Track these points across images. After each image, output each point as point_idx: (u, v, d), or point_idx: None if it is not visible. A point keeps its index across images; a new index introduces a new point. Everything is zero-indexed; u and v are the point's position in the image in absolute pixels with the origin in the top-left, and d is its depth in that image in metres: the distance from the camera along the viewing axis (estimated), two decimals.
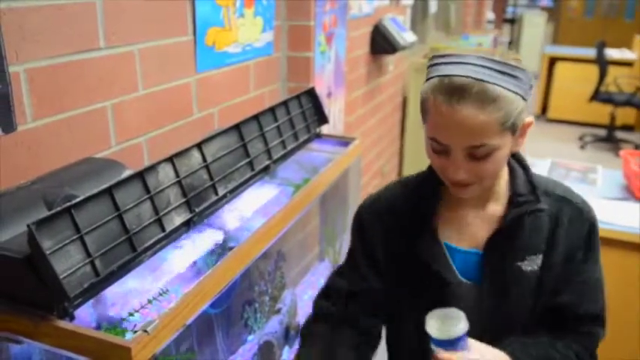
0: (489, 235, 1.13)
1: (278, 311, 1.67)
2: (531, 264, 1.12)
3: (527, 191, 1.13)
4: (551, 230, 1.12)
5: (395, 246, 1.19)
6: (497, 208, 1.14)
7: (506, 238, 1.12)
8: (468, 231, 1.15)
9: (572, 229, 1.13)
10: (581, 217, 1.14)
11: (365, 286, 1.23)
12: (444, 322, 1.00)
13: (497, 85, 0.96)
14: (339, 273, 1.30)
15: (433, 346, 1.01)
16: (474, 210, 1.15)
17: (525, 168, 1.17)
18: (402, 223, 1.18)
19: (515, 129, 1.01)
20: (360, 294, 1.23)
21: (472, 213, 1.15)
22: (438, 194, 1.16)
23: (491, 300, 1.13)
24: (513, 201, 1.12)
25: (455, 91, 0.96)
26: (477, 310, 1.11)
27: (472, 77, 0.96)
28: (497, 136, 0.98)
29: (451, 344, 1.00)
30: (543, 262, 1.12)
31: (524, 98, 1.00)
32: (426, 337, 1.02)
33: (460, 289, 1.14)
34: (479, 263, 1.14)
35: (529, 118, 1.05)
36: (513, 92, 0.98)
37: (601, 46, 6.65)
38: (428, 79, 1.03)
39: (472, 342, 1.04)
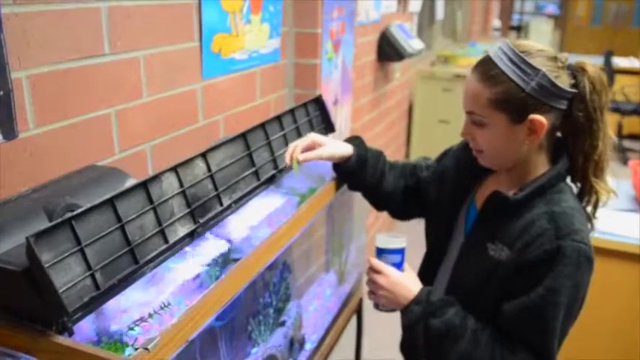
0: (481, 206, 1.25)
1: (282, 324, 1.64)
2: (497, 251, 1.16)
3: (532, 189, 1.15)
4: (520, 232, 1.14)
5: (454, 183, 1.38)
6: (513, 191, 1.21)
7: (486, 215, 1.23)
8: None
9: (535, 244, 1.11)
10: (549, 238, 1.10)
11: (425, 173, 1.51)
12: (388, 239, 1.27)
13: (499, 67, 1.11)
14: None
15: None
16: (501, 184, 1.24)
17: (558, 175, 1.18)
18: (466, 173, 1.35)
19: (513, 116, 1.12)
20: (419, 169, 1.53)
21: (500, 186, 1.23)
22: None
23: (460, 257, 1.28)
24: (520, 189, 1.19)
25: (476, 63, 1.17)
26: (454, 262, 1.29)
27: (489, 55, 1.14)
28: (486, 111, 1.13)
29: (383, 253, 1.26)
30: (507, 258, 1.15)
31: (524, 90, 1.09)
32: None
33: (459, 238, 1.32)
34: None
35: (538, 117, 1.11)
36: (510, 79, 1.10)
37: (608, 55, 6.61)
38: None
39: (407, 267, 1.28)
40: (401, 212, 1.60)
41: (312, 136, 1.49)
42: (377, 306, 1.31)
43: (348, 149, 1.51)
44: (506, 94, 1.11)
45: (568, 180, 1.23)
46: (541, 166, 1.20)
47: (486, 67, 1.13)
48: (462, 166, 1.37)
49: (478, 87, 1.13)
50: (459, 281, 1.27)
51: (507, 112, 1.12)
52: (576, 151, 1.18)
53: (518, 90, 1.10)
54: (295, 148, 1.45)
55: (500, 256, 1.16)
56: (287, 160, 1.45)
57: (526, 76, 1.09)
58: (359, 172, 1.51)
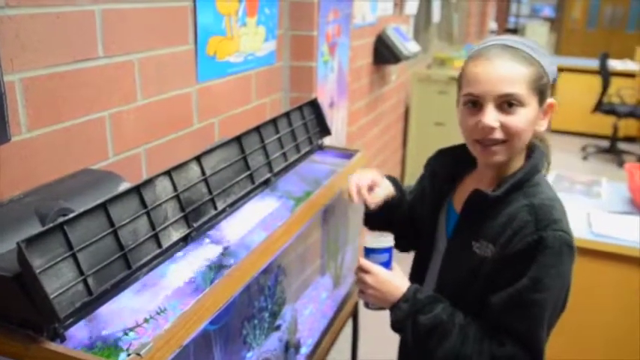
0: (462, 207, 1.25)
1: (277, 328, 1.63)
2: (482, 249, 1.18)
3: (510, 184, 1.18)
4: (502, 227, 1.16)
5: (431, 192, 1.38)
6: (492, 188, 1.22)
7: (467, 215, 1.24)
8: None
9: (517, 237, 1.13)
10: (530, 230, 1.12)
11: (409, 198, 1.50)
12: (375, 239, 1.27)
13: (525, 52, 1.14)
14: None
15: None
16: (481, 183, 1.25)
17: (533, 168, 1.21)
18: (441, 177, 1.36)
19: (541, 98, 1.16)
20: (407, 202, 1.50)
21: (480, 186, 1.23)
22: (471, 165, 1.31)
23: (445, 259, 1.29)
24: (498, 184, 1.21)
25: (493, 51, 1.15)
26: (440, 264, 1.31)
27: (505, 44, 1.16)
28: (525, 92, 1.12)
29: (371, 252, 1.27)
30: (492, 254, 1.16)
31: (548, 74, 1.16)
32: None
33: (442, 242, 1.33)
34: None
35: (552, 100, 1.19)
36: (539, 62, 1.14)
37: (604, 58, 6.63)
38: (468, 55, 1.21)
39: (395, 266, 1.28)
40: (402, 244, 1.49)
41: (373, 176, 1.41)
42: (367, 305, 1.32)
43: (391, 188, 1.46)
44: (538, 75, 1.15)
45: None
46: (520, 160, 1.23)
47: (512, 51, 1.14)
48: (436, 173, 1.39)
49: (516, 67, 1.13)
50: (446, 282, 1.29)
51: (538, 94, 1.15)
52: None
53: (545, 74, 1.16)
54: (361, 189, 1.36)
55: (485, 253, 1.18)
56: (355, 199, 1.36)
57: (548, 62, 1.17)
58: (393, 212, 1.47)
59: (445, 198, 1.35)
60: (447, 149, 1.40)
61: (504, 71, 1.12)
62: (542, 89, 1.16)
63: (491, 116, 1.13)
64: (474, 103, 1.16)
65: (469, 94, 1.16)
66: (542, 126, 1.20)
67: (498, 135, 1.14)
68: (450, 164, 1.34)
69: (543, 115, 1.20)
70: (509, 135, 1.14)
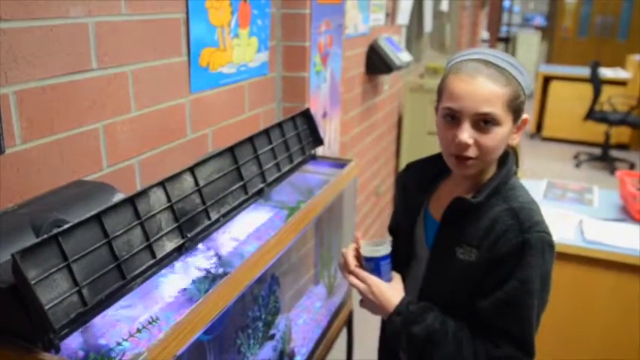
0: (442, 214, 1.26)
1: (272, 337, 1.64)
2: (466, 254, 1.21)
3: (489, 190, 1.21)
4: (485, 231, 1.19)
5: (405, 204, 1.41)
6: (469, 195, 1.25)
7: (449, 222, 1.25)
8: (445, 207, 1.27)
9: (502, 240, 1.16)
10: (515, 233, 1.16)
11: (393, 224, 1.51)
12: (371, 247, 1.26)
13: (506, 70, 1.16)
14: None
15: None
16: (459, 191, 1.26)
17: (508, 173, 1.25)
18: (413, 189, 1.38)
19: (516, 116, 1.19)
20: (391, 229, 1.52)
21: (456, 193, 1.25)
22: (441, 174, 1.35)
23: (429, 267, 1.30)
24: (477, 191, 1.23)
25: (474, 67, 1.16)
26: (422, 273, 1.31)
27: (487, 60, 1.17)
28: (501, 112, 1.14)
29: (368, 261, 1.26)
30: (477, 258, 1.19)
31: (524, 92, 1.18)
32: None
33: (422, 251, 1.34)
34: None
35: (526, 115, 1.23)
36: (517, 81, 1.17)
37: (595, 66, 6.68)
38: (449, 66, 1.22)
39: (395, 276, 1.28)
40: None
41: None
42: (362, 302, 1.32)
43: None
44: (515, 95, 1.17)
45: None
46: (494, 167, 1.26)
47: (492, 70, 1.16)
48: (407, 186, 1.41)
49: (494, 88, 1.15)
50: (431, 288, 1.30)
51: (514, 112, 1.18)
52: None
53: (522, 92, 1.18)
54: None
55: (470, 258, 1.21)
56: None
57: (524, 79, 1.19)
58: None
59: (420, 208, 1.37)
60: (414, 162, 1.43)
61: (484, 90, 1.14)
62: (517, 108, 1.18)
63: (466, 133, 1.15)
64: (452, 117, 1.17)
65: (448, 108, 1.17)
66: (515, 140, 1.23)
67: (472, 152, 1.17)
68: (420, 176, 1.38)
69: (517, 129, 1.22)
70: (482, 152, 1.17)
